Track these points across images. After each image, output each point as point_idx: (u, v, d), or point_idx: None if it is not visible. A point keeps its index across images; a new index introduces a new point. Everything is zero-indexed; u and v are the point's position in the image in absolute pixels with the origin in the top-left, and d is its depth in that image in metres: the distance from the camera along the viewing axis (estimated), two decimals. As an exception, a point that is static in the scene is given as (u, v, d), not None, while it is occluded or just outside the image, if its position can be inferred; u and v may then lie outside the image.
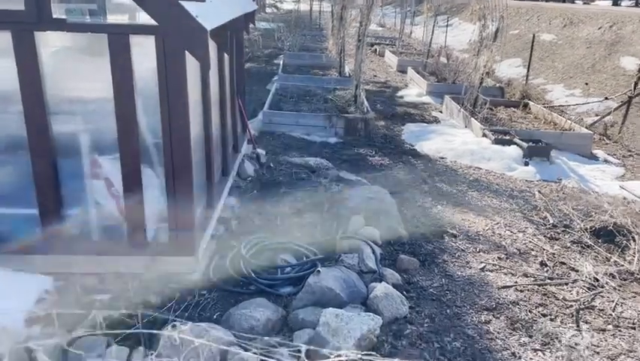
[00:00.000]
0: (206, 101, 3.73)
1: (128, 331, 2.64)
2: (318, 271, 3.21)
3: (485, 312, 3.27)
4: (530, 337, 3.06)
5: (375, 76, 12.45)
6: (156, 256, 3.24)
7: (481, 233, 4.41)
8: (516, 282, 3.65)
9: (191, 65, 2.99)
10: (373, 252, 3.64)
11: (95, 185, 3.21)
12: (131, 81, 2.90)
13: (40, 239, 3.15)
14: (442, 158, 6.52)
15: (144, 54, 2.89)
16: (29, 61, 2.82)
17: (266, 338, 2.69)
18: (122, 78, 2.89)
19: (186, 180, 3.14)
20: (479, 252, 4.07)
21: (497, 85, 10.57)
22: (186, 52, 2.87)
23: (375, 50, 15.99)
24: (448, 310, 3.24)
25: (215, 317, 2.95)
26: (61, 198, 3.16)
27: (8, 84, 2.86)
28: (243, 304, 2.96)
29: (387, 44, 17.03)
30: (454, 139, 7.10)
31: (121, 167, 3.09)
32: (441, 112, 9.08)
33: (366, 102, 7.84)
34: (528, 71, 11.30)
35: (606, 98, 8.81)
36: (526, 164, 6.33)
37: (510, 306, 3.35)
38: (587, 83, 10.08)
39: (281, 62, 12.13)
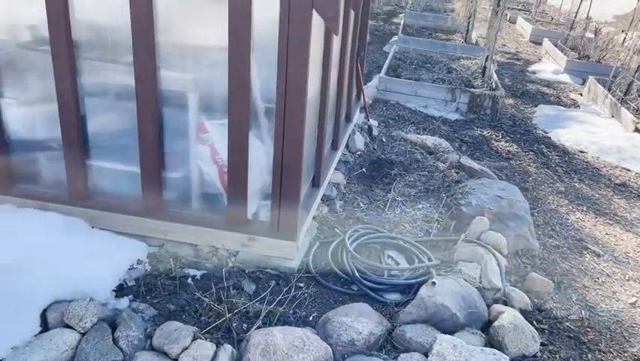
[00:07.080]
0: (326, 63, 3.29)
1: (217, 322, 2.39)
2: (434, 282, 2.74)
3: (637, 366, 2.63)
4: (699, 412, 2.40)
5: (504, 45, 11.26)
6: (255, 235, 2.94)
7: (630, 255, 3.65)
8: (678, 330, 2.92)
9: (316, 21, 2.54)
10: (499, 265, 3.08)
11: (199, 150, 2.94)
12: (248, 36, 2.51)
13: (140, 200, 2.97)
14: (582, 152, 5.60)
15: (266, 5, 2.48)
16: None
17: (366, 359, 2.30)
18: (240, 30, 2.51)
19: (296, 154, 2.75)
20: (628, 280, 3.35)
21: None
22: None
23: (507, 15, 14.50)
24: (589, 355, 2.63)
25: (311, 318, 2.61)
26: (163, 159, 2.94)
27: (123, 34, 2.61)
28: (344, 308, 2.58)
29: (520, 9, 15.41)
30: (597, 130, 6.09)
31: (228, 134, 2.78)
32: (581, 94, 7.92)
33: (495, 76, 6.98)
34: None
35: None
36: (689, 171, 5.25)
37: (670, 362, 2.67)
38: None
39: (401, 22, 11.35)
